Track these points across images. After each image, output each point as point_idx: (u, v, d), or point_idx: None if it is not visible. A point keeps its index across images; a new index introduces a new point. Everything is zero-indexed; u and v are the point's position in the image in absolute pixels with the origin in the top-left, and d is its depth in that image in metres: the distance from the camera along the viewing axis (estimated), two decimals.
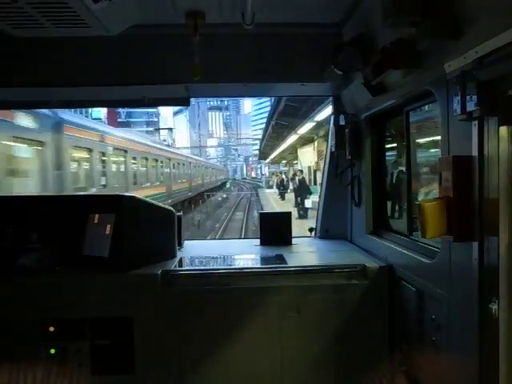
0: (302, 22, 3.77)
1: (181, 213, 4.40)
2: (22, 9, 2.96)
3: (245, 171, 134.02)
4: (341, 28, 3.79)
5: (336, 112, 4.60)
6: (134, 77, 3.90)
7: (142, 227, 3.74)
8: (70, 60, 3.83)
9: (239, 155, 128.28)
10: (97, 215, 3.74)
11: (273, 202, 37.72)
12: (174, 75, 3.85)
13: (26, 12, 3.03)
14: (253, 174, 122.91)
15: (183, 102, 4.58)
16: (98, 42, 3.66)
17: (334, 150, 4.59)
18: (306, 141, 31.32)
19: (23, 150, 12.13)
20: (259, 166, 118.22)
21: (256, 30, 3.49)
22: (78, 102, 4.87)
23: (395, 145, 4.41)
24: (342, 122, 4.47)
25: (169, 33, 3.71)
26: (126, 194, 3.97)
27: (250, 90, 4.68)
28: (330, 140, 4.78)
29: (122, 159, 20.09)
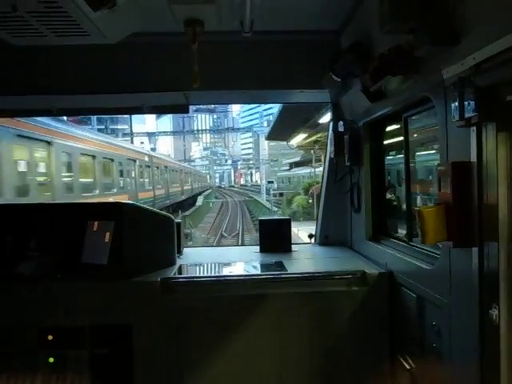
0: (300, 29, 3.79)
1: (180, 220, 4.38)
2: (21, 18, 2.97)
3: (233, 177, 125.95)
4: (339, 35, 3.81)
5: (335, 118, 4.61)
6: (133, 84, 3.91)
7: (142, 234, 3.73)
8: (70, 68, 3.84)
9: (226, 160, 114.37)
10: (96, 222, 3.73)
11: None
12: (172, 83, 3.86)
13: (26, 21, 3.04)
14: (242, 181, 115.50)
15: (182, 109, 4.59)
16: (98, 50, 3.68)
17: (333, 156, 4.59)
18: None
19: None
20: (249, 171, 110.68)
21: (255, 38, 3.51)
22: (77, 109, 4.89)
23: None
24: (341, 129, 4.48)
25: (167, 41, 3.73)
26: (126, 201, 3.97)
27: (249, 98, 4.69)
28: (328, 146, 4.78)
29: None
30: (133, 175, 23.42)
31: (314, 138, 25.54)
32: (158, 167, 30.16)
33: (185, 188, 42.32)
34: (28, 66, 3.80)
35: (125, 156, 21.99)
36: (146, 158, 27.23)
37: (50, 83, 3.87)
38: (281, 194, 42.26)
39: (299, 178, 44.86)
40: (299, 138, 25.49)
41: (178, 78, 3.69)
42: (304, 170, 44.49)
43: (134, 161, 23.75)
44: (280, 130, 24.96)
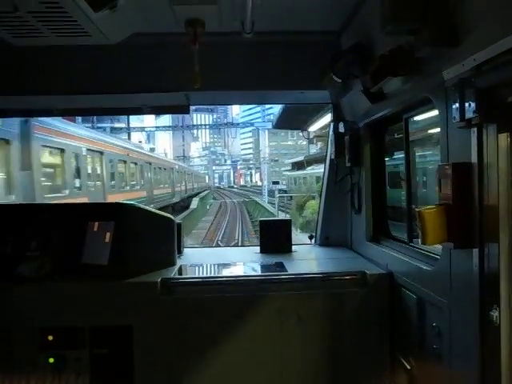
0: (301, 30, 3.79)
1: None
2: (22, 18, 2.98)
3: (232, 178, 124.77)
4: (340, 36, 3.81)
5: (335, 119, 4.61)
6: (134, 85, 3.92)
7: (142, 235, 3.73)
8: (70, 68, 3.85)
9: (226, 160, 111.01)
10: (96, 223, 3.73)
11: None
12: (173, 83, 3.86)
13: (27, 21, 3.05)
14: (241, 182, 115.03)
15: (183, 109, 4.59)
16: (99, 51, 3.68)
17: (333, 157, 4.59)
18: None
19: None
20: (248, 172, 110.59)
21: (255, 39, 3.51)
22: (77, 109, 4.90)
23: None
24: (342, 130, 4.48)
25: (169, 41, 3.73)
26: (126, 201, 3.97)
27: (250, 98, 4.69)
28: (329, 147, 4.78)
29: None
30: None
31: None
32: (88, 156, 17.03)
33: (156, 193, 28.50)
34: (29, 66, 3.80)
35: None
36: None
37: (51, 84, 3.87)
38: (290, 198, 36.28)
39: (318, 178, 34.09)
40: (322, 123, 20.37)
41: (178, 78, 3.69)
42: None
43: None
44: (293, 115, 17.13)
